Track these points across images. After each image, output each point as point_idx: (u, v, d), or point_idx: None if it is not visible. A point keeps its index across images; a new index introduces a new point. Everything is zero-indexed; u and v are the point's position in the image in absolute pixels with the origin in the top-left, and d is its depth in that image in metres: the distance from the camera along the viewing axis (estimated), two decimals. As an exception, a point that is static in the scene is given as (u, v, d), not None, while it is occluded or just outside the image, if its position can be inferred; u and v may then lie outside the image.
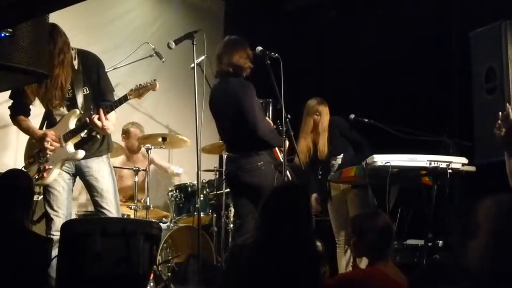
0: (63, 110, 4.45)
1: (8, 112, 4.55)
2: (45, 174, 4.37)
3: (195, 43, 4.46)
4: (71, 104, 4.42)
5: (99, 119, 4.26)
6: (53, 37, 4.17)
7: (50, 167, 4.37)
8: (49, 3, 3.20)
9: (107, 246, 3.42)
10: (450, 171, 4.59)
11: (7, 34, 3.43)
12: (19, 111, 4.50)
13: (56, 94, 4.33)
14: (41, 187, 4.80)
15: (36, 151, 4.45)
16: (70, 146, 4.41)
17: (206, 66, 4.75)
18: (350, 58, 6.72)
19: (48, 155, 4.38)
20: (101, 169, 4.50)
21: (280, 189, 3.26)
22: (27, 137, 5.38)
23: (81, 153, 4.41)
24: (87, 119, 4.32)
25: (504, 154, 3.99)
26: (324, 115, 5.50)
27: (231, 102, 4.49)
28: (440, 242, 4.81)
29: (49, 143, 4.37)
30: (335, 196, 5.53)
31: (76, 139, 4.41)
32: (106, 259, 3.39)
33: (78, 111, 4.41)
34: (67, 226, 3.77)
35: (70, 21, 5.38)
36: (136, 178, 5.65)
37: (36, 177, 4.34)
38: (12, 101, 4.48)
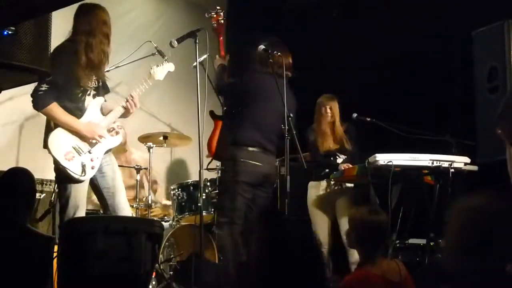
0: (90, 98, 4.37)
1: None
2: (93, 166, 4.27)
3: (197, 41, 4.45)
4: (97, 93, 4.41)
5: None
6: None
7: (97, 157, 4.30)
8: (51, 2, 3.20)
9: (109, 245, 3.42)
10: (452, 170, 4.60)
11: (9, 32, 3.43)
12: (54, 96, 4.19)
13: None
14: (43, 186, 4.81)
15: (73, 145, 4.24)
16: (107, 134, 4.41)
17: (209, 64, 4.74)
18: (352, 57, 6.71)
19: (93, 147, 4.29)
20: (116, 164, 4.52)
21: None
22: (28, 136, 5.39)
23: (119, 137, 4.45)
24: (127, 103, 4.39)
25: (505, 154, 3.99)
26: (334, 108, 5.72)
27: (292, 102, 4.68)
28: (442, 242, 4.81)
29: (101, 131, 4.32)
30: (322, 196, 5.59)
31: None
32: (108, 258, 3.39)
33: (103, 99, 4.43)
34: (69, 225, 3.77)
35: (72, 20, 5.38)
36: (138, 177, 5.64)
37: (85, 172, 4.20)
38: (49, 85, 4.15)
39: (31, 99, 4.20)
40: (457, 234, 2.03)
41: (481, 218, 1.97)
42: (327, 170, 5.60)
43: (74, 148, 4.24)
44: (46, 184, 5.16)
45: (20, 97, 5.67)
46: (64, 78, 4.20)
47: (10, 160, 5.60)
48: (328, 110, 5.70)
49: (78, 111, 4.30)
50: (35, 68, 3.76)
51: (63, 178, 4.21)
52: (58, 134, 4.24)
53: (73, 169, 4.17)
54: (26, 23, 3.60)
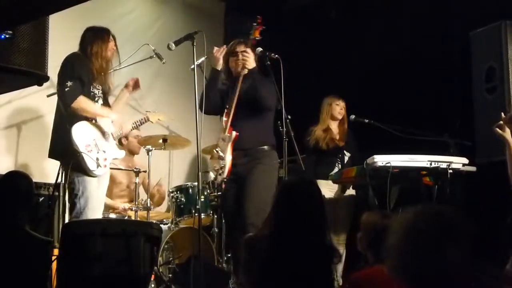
0: (98, 105, 4.63)
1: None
2: (105, 165, 4.53)
3: (195, 44, 4.45)
4: (104, 104, 4.69)
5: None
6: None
7: (108, 158, 4.57)
8: (49, 4, 3.20)
9: (107, 247, 3.43)
10: (450, 171, 4.59)
11: (7, 36, 3.43)
12: (80, 90, 4.48)
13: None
14: (41, 189, 4.82)
15: (93, 139, 4.48)
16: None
17: (206, 67, 4.73)
18: (350, 58, 6.70)
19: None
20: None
21: (291, 184, 3.28)
22: (27, 139, 5.40)
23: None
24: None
25: (504, 154, 3.99)
26: (344, 108, 5.86)
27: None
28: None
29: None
30: (329, 199, 5.58)
31: None
32: (106, 260, 3.40)
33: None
34: (68, 227, 3.77)
35: (70, 23, 5.40)
36: (137, 180, 5.63)
37: (100, 167, 4.45)
38: (74, 81, 4.44)
39: (60, 99, 4.46)
40: (393, 242, 2.06)
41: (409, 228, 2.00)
42: (336, 169, 5.58)
43: (93, 143, 4.47)
44: (44, 188, 5.16)
45: (18, 100, 5.69)
46: (86, 75, 4.49)
47: (8, 163, 5.61)
48: (342, 108, 5.82)
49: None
50: (32, 71, 3.76)
51: (77, 169, 4.37)
52: (81, 126, 4.44)
53: (90, 160, 4.38)
54: (23, 26, 3.60)
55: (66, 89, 4.38)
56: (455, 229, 1.96)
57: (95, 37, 4.60)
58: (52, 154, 4.55)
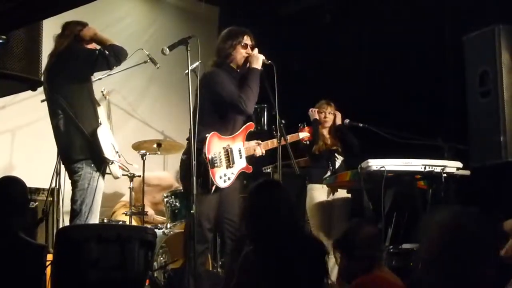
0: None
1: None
2: (122, 166, 4.59)
3: (189, 49, 4.45)
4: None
5: None
6: None
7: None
8: (43, 9, 3.20)
9: (102, 252, 3.42)
10: (445, 175, 4.61)
11: (0, 41, 3.43)
12: None
13: None
14: (36, 195, 4.83)
15: (110, 142, 4.45)
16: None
17: (200, 72, 4.73)
18: (345, 63, 6.72)
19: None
20: None
21: (255, 189, 3.26)
22: (21, 144, 5.40)
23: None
24: None
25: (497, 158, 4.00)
26: (331, 114, 5.79)
27: None
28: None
29: None
30: (325, 201, 5.58)
31: None
32: (101, 265, 3.39)
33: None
34: (62, 232, 3.76)
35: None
36: (131, 184, 5.63)
37: (123, 169, 4.54)
38: None
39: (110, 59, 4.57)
40: (426, 247, 2.04)
41: (448, 232, 1.98)
42: (329, 173, 5.58)
43: (112, 147, 4.45)
44: (39, 193, 5.15)
45: (12, 105, 5.68)
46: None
47: (2, 169, 5.59)
48: (328, 115, 5.75)
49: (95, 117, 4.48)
50: (26, 76, 3.76)
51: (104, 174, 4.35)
52: (102, 131, 4.37)
53: (117, 165, 4.39)
54: (17, 31, 3.60)
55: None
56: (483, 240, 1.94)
57: None
58: (71, 159, 4.39)
